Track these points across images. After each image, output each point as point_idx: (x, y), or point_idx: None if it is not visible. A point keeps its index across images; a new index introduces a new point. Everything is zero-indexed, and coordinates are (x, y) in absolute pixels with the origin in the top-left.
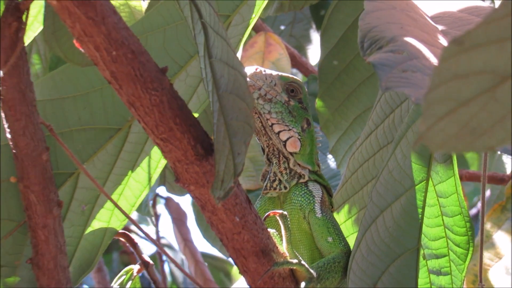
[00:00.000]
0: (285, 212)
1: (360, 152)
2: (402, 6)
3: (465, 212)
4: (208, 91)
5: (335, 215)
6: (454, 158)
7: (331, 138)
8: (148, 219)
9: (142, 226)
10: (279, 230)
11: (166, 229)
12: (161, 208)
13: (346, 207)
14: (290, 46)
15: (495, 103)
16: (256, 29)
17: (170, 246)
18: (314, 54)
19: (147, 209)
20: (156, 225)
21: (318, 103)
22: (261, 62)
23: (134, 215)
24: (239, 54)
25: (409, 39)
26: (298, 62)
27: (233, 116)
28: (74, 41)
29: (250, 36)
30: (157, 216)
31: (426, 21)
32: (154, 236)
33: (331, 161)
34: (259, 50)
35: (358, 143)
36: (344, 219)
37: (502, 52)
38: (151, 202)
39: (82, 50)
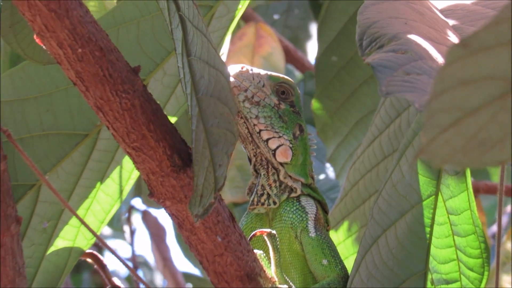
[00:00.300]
0: (274, 231)
1: (361, 162)
2: None
3: (480, 231)
4: (186, 93)
5: (333, 233)
6: (468, 170)
7: (329, 144)
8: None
9: (117, 242)
10: (267, 252)
11: (144, 244)
12: (137, 221)
13: (345, 224)
14: (285, 38)
15: (506, 113)
16: (246, 18)
17: (147, 265)
18: (312, 48)
19: (120, 224)
20: (131, 242)
21: (314, 104)
22: (250, 57)
23: (107, 230)
24: (225, 49)
25: (413, 37)
26: (293, 57)
27: (214, 123)
28: (35, 37)
29: (238, 26)
30: (132, 232)
31: (435, 15)
32: (129, 253)
33: (330, 171)
34: (249, 43)
35: (360, 151)
36: (343, 237)
37: None
38: (125, 215)
39: (44, 47)
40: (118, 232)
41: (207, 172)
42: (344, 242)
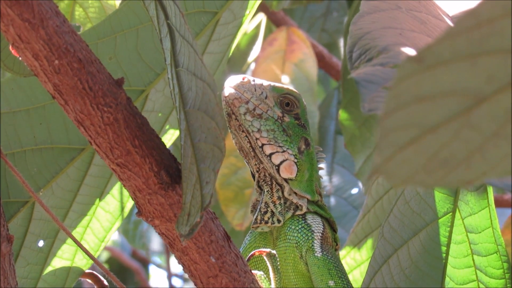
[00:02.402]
0: (274, 251)
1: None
2: (410, 4)
3: (503, 250)
4: (175, 106)
5: (355, 251)
6: (490, 186)
7: (357, 157)
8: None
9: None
10: (268, 272)
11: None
12: None
13: (369, 242)
14: (322, 42)
15: (470, 130)
16: (277, 23)
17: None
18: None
19: (141, 241)
20: (167, 260)
21: (342, 114)
22: (281, 64)
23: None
24: (254, 55)
25: (405, 49)
26: (327, 64)
27: (201, 138)
28: (10, 48)
29: (269, 31)
30: (168, 249)
31: (441, 23)
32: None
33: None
34: (280, 49)
35: None
36: (366, 256)
37: (475, 70)
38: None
39: (20, 58)
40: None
41: (194, 190)
42: (367, 261)
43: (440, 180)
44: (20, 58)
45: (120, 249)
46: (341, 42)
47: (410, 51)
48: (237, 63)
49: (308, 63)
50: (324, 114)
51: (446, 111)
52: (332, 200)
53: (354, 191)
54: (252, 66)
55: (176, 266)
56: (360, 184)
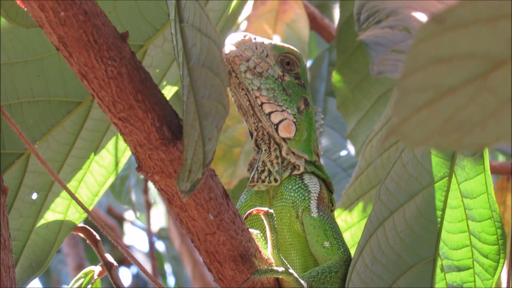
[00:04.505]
0: (271, 210)
1: (379, 139)
2: None
3: (497, 216)
4: (178, 62)
5: (346, 213)
6: (486, 151)
7: (349, 119)
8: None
9: (134, 215)
10: (264, 231)
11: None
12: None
13: (360, 205)
14: (311, 4)
15: (486, 93)
16: None
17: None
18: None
19: (128, 197)
20: (148, 216)
21: (335, 76)
22: (273, 24)
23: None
24: (245, 14)
25: (415, 12)
26: (318, 25)
27: (205, 94)
28: None
29: None
30: (149, 205)
31: None
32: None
33: (352, 147)
34: (272, 9)
35: (377, 128)
36: (358, 218)
37: (494, 33)
38: (136, 187)
39: (25, 9)
40: (140, 204)
41: (196, 146)
42: (358, 223)
43: (454, 142)
44: (25, 9)
45: (96, 205)
46: (333, 4)
47: (420, 15)
48: (228, 21)
49: (300, 24)
50: (315, 75)
51: (463, 74)
52: (321, 162)
53: (343, 153)
54: (243, 25)
55: (155, 225)
56: (350, 146)
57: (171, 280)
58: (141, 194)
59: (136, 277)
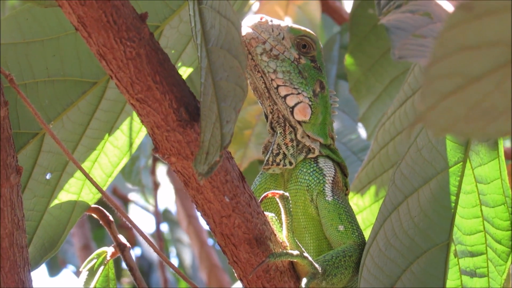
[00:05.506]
0: (287, 193)
1: (392, 122)
2: None
3: (510, 202)
4: (196, 43)
5: (358, 197)
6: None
7: (362, 103)
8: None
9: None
10: (279, 215)
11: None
12: (162, 175)
13: (372, 189)
14: None
15: (510, 81)
16: None
17: (173, 220)
18: None
19: (137, 178)
20: (155, 197)
21: (348, 59)
22: (284, 5)
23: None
24: None
25: None
26: (330, 7)
27: (223, 76)
28: None
29: None
30: (156, 186)
31: None
32: (153, 210)
33: (363, 130)
34: None
35: (390, 111)
36: (369, 202)
37: None
38: (145, 168)
39: None
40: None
41: (214, 128)
42: (370, 207)
43: (479, 130)
44: None
45: None
46: None
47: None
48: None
49: (312, 6)
50: (326, 58)
51: (490, 61)
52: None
53: (353, 136)
54: (254, 6)
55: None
56: (360, 130)
57: (174, 262)
58: (148, 175)
59: (140, 258)
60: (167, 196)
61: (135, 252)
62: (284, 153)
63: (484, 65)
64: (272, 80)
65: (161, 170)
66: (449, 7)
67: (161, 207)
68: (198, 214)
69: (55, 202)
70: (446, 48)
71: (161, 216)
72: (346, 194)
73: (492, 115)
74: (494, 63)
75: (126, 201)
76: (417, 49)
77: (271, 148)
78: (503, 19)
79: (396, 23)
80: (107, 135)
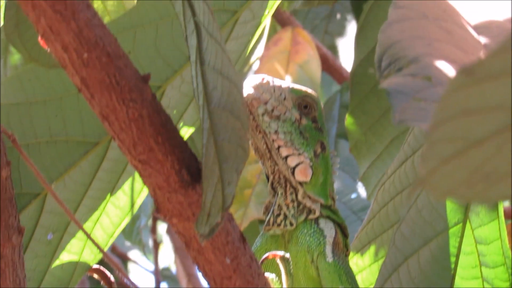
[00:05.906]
0: (287, 255)
1: (391, 182)
2: (436, 13)
3: (509, 263)
4: (199, 105)
5: (358, 257)
6: None
7: (362, 162)
8: (151, 246)
9: (141, 254)
10: (279, 276)
11: (169, 258)
12: (162, 233)
13: (372, 248)
14: (324, 45)
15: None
16: (283, 23)
17: (174, 279)
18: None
19: (138, 237)
20: (155, 255)
21: (348, 119)
22: (285, 64)
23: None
24: (258, 54)
25: (436, 60)
26: (331, 66)
27: (225, 137)
28: (39, 39)
29: (274, 31)
30: (156, 244)
31: (466, 34)
32: (153, 268)
33: (363, 190)
34: (284, 49)
35: (390, 171)
36: (369, 262)
37: None
38: (145, 227)
39: (48, 50)
40: (146, 244)
41: (215, 190)
42: (370, 267)
43: (480, 194)
44: (48, 50)
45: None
46: (341, 45)
47: (441, 63)
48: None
49: (313, 65)
50: (326, 117)
51: (492, 126)
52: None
53: (353, 196)
54: (255, 65)
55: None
56: (360, 189)
57: None
58: (149, 234)
59: None
60: (166, 255)
61: None
62: (285, 214)
63: (485, 129)
64: (273, 140)
65: (161, 228)
66: (450, 71)
67: (161, 265)
68: (199, 272)
69: (57, 262)
70: (447, 112)
71: (161, 274)
72: (347, 255)
73: (493, 179)
74: (495, 127)
75: (125, 259)
76: (417, 113)
77: (272, 209)
78: (503, 84)
79: (397, 87)
80: (109, 195)
